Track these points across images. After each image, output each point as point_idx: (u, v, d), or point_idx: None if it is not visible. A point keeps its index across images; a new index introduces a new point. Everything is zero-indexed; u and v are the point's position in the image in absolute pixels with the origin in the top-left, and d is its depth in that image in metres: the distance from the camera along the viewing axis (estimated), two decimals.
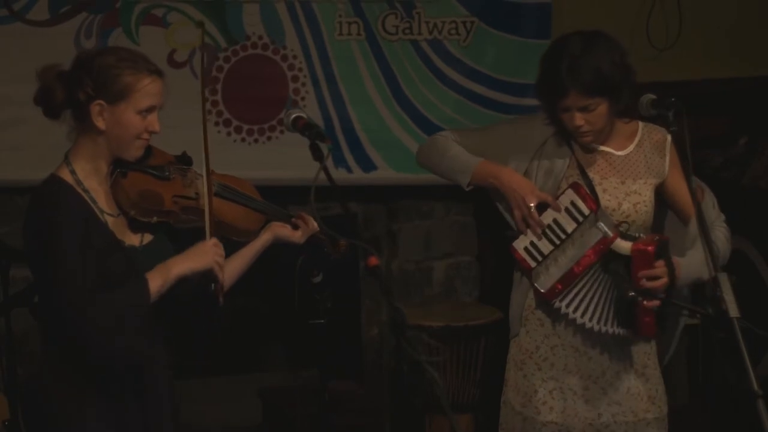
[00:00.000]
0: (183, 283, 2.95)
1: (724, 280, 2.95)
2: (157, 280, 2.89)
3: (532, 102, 5.23)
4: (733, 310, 2.86)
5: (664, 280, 3.30)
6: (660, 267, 3.29)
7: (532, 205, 3.38)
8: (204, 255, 2.95)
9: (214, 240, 2.99)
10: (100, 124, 2.91)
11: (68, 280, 2.81)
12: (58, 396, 2.93)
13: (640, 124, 3.51)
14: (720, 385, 5.04)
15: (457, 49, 5.29)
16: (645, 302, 3.28)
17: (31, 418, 3.00)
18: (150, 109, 2.95)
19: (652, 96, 3.29)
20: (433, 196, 5.54)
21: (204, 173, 3.04)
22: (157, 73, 2.97)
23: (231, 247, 3.18)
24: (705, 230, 3.04)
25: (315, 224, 3.24)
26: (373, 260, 2.61)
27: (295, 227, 3.24)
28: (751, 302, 3.22)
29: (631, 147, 3.48)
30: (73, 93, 2.91)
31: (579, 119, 3.35)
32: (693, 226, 3.38)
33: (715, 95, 5.41)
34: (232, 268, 3.14)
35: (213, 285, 2.96)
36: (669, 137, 3.45)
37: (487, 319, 5.10)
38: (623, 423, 3.46)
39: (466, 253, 5.68)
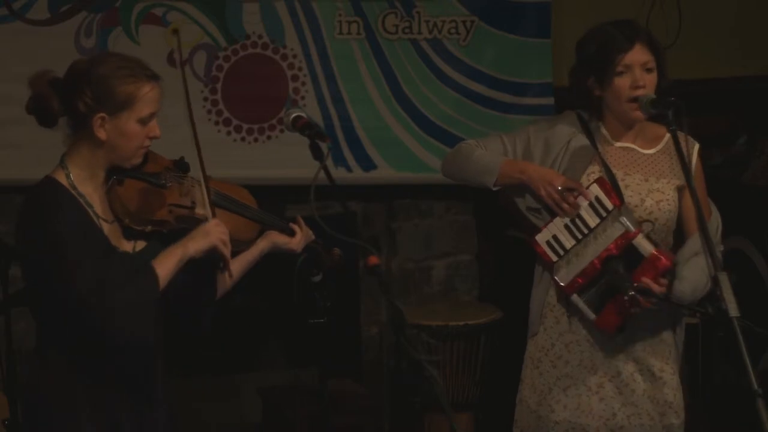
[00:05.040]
0: (186, 271, 2.94)
1: (724, 279, 2.95)
2: (164, 266, 2.88)
3: (532, 101, 5.28)
4: (733, 310, 2.86)
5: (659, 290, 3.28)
6: (663, 285, 3.28)
7: (559, 188, 3.36)
8: (207, 235, 2.93)
9: (215, 220, 2.97)
10: (102, 135, 2.88)
11: (75, 273, 2.78)
12: (52, 397, 2.91)
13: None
14: (720, 385, 5.04)
15: (457, 48, 5.29)
16: (640, 300, 3.28)
17: (29, 418, 2.99)
18: (151, 116, 2.92)
19: (652, 95, 3.30)
20: (433, 195, 5.54)
21: (200, 173, 3.01)
22: (155, 78, 2.93)
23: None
24: (705, 230, 3.03)
25: (309, 231, 3.22)
26: (373, 259, 2.61)
27: (292, 234, 3.21)
28: (751, 301, 3.22)
29: (658, 148, 3.47)
30: (70, 103, 2.88)
31: (641, 77, 3.34)
32: (694, 241, 3.37)
33: (715, 94, 5.41)
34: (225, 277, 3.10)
35: (221, 264, 2.96)
36: (697, 146, 3.45)
37: (486, 318, 5.11)
38: (638, 426, 3.43)
39: (466, 252, 5.69)
